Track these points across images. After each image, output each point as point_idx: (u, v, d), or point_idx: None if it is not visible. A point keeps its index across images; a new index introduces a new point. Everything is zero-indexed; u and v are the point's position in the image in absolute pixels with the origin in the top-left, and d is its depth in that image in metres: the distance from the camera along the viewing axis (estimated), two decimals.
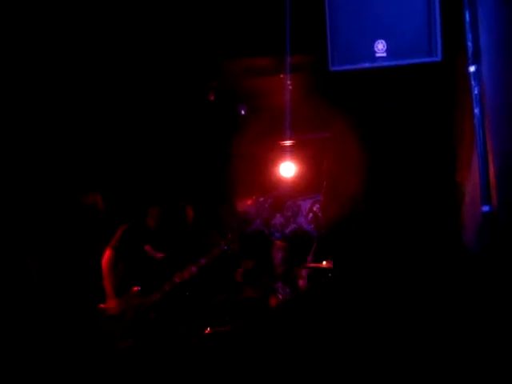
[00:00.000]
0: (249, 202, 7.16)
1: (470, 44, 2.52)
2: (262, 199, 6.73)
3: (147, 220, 5.01)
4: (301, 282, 5.90)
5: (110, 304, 4.81)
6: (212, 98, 6.05)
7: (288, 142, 6.64)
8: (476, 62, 2.49)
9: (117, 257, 4.85)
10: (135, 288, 4.84)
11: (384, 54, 2.56)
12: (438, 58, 2.49)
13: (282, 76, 5.76)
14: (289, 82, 5.81)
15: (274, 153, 6.72)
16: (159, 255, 4.96)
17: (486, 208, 2.56)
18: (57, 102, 5.41)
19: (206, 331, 5.30)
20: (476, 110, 2.46)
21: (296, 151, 6.68)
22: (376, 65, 2.56)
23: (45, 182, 5.50)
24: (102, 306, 4.85)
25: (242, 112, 6.28)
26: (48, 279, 5.36)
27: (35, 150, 5.40)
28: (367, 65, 2.59)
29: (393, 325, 0.91)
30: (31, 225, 5.33)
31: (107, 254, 4.86)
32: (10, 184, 5.17)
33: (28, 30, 4.44)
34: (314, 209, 6.52)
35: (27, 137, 5.30)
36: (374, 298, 0.92)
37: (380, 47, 2.57)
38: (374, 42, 2.59)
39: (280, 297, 5.67)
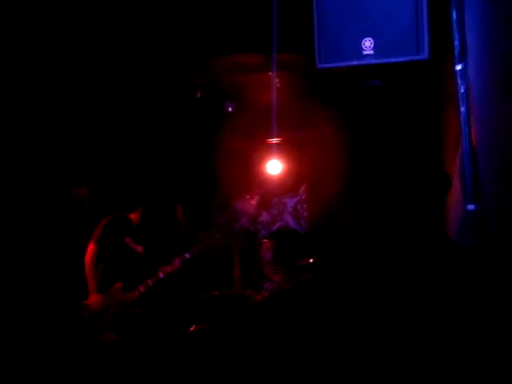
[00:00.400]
0: (235, 199, 7.15)
1: (456, 43, 2.54)
2: (248, 196, 6.73)
3: (136, 216, 4.99)
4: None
5: (93, 299, 4.79)
6: (199, 95, 6.04)
7: (275, 140, 6.64)
8: (462, 60, 2.51)
9: (99, 251, 4.83)
10: (118, 284, 4.83)
11: (371, 52, 2.58)
12: (425, 56, 2.51)
13: (269, 74, 5.76)
14: (276, 80, 5.81)
15: (261, 150, 6.72)
16: (139, 248, 4.96)
17: (470, 207, 2.57)
18: (43, 97, 5.39)
19: (192, 328, 5.30)
20: (462, 108, 2.48)
21: (283, 149, 6.68)
22: (363, 62, 2.57)
23: (31, 176, 5.47)
24: (85, 302, 4.84)
25: (230, 109, 6.28)
26: (32, 273, 5.33)
27: (21, 144, 5.37)
28: (354, 62, 2.60)
29: (380, 317, 0.89)
30: (16, 218, 5.30)
31: (90, 249, 4.84)
32: None
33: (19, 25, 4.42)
34: (298, 207, 6.52)
35: (13, 131, 5.27)
36: (359, 291, 0.90)
37: (367, 45, 2.58)
38: (361, 39, 2.60)
39: (266, 295, 5.67)
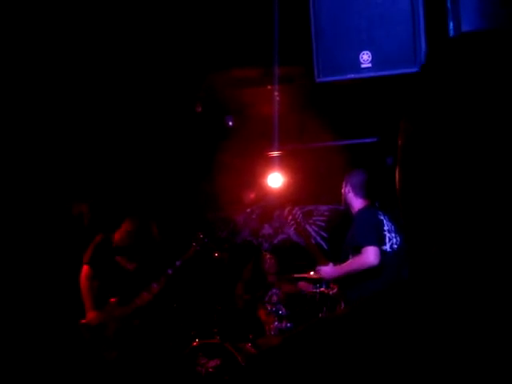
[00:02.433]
0: (237, 213, 7.16)
1: (451, 32, 2.54)
2: (249, 210, 6.74)
3: (118, 232, 5.03)
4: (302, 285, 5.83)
5: (90, 316, 4.80)
6: (200, 109, 6.06)
7: (276, 153, 6.66)
8: None
9: (92, 271, 4.87)
10: (113, 299, 4.85)
11: (369, 65, 2.58)
12: None
13: (269, 87, 5.78)
14: (276, 93, 5.83)
15: (262, 163, 6.74)
16: (131, 265, 4.98)
17: None
18: (46, 113, 5.40)
19: (194, 343, 5.28)
20: None
21: (284, 162, 6.70)
22: (361, 75, 2.58)
23: (33, 191, 5.48)
24: (83, 320, 4.85)
25: (230, 123, 6.30)
26: (32, 288, 5.33)
27: (24, 159, 5.39)
28: (353, 75, 2.61)
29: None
30: (17, 232, 5.30)
31: (84, 270, 4.88)
32: None
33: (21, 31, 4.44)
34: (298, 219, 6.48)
35: (16, 146, 5.28)
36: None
37: (365, 58, 2.59)
38: (359, 53, 2.61)
39: (268, 308, 5.65)
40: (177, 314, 5.53)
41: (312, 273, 5.20)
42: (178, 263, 4.98)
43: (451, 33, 2.66)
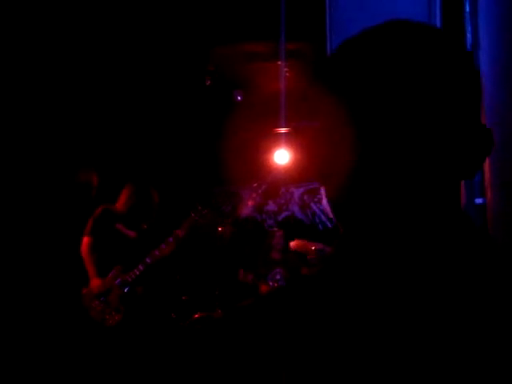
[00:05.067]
0: (242, 188, 7.15)
1: (469, 35, 2.52)
2: (255, 185, 6.72)
3: (119, 200, 5.10)
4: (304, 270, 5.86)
5: (95, 283, 4.88)
6: (208, 83, 6.03)
7: (283, 129, 6.63)
8: (475, 53, 2.49)
9: (94, 242, 4.93)
10: (116, 267, 4.92)
11: None
12: None
13: (278, 63, 5.74)
14: (285, 69, 5.79)
15: (269, 139, 6.71)
16: (132, 233, 5.05)
17: (479, 200, 2.57)
18: (54, 82, 5.39)
19: (196, 315, 5.32)
20: None
21: (291, 138, 6.67)
22: None
23: (39, 159, 5.49)
24: (86, 288, 4.92)
25: (238, 98, 6.26)
26: (38, 258, 5.36)
27: (31, 128, 5.38)
28: None
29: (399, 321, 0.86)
30: (23, 202, 5.32)
31: (84, 242, 4.94)
32: (3, 162, 5.15)
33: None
34: (305, 198, 6.51)
35: (23, 115, 5.28)
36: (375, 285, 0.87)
37: None
38: None
39: (271, 284, 5.67)
40: (180, 286, 5.56)
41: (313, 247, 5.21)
42: (178, 232, 5.04)
43: (467, 13, 2.63)
